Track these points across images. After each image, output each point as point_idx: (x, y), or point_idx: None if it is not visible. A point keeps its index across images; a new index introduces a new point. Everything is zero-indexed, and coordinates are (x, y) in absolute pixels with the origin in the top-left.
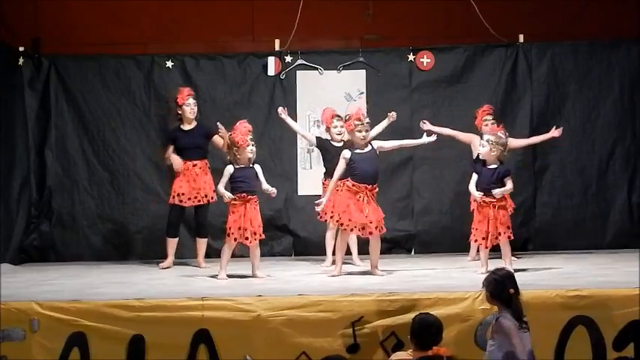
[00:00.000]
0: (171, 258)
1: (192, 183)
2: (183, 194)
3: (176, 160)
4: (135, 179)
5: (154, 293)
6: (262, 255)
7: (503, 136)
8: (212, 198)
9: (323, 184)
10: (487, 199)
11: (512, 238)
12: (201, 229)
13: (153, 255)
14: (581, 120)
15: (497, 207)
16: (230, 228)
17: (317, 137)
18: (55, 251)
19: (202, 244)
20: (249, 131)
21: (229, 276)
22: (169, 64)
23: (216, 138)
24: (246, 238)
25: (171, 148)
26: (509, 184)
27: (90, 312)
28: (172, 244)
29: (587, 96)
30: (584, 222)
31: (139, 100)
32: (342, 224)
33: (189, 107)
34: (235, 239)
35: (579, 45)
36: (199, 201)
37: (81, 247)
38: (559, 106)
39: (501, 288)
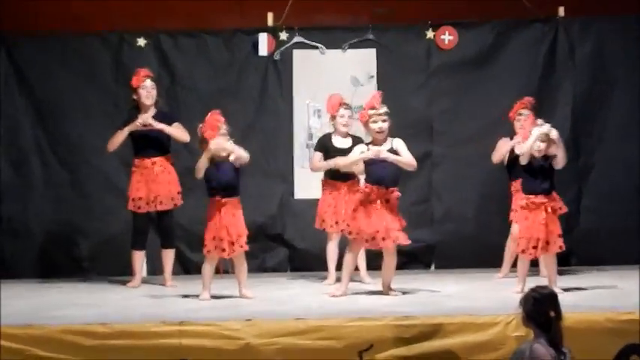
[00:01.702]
0: (139, 275)
1: (151, 184)
2: (140, 198)
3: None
4: (100, 179)
5: (122, 316)
6: (252, 270)
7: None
8: (178, 201)
9: (323, 184)
10: (538, 200)
11: (564, 248)
12: (165, 238)
13: (121, 271)
14: (632, 110)
15: (551, 209)
16: (205, 238)
17: (320, 137)
18: (4, 266)
19: (168, 256)
20: (220, 124)
21: (213, 296)
22: (141, 42)
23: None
24: (223, 250)
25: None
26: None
27: (45, 339)
28: (139, 258)
29: None
30: (636, 231)
31: (106, 86)
32: (350, 233)
33: (146, 90)
34: (209, 251)
35: (630, 19)
36: (162, 205)
37: (35, 260)
38: (606, 93)
39: (540, 309)
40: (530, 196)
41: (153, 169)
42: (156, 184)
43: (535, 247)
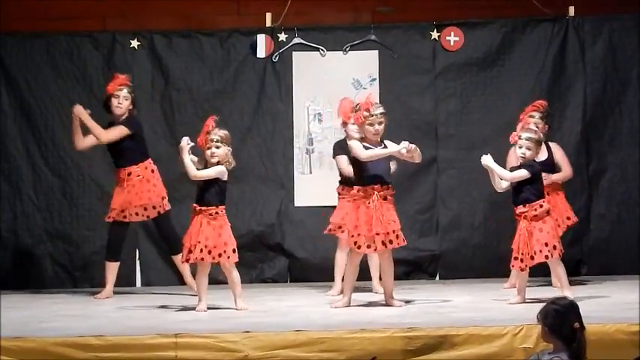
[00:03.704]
0: (110, 287)
1: (127, 195)
2: (112, 209)
3: None
4: (92, 186)
5: (116, 328)
6: (251, 280)
7: (539, 130)
8: (162, 208)
9: (339, 193)
10: (519, 210)
11: (555, 257)
12: (172, 244)
13: (114, 281)
14: None
15: (531, 218)
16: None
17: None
18: None
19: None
20: (209, 129)
21: (210, 307)
22: (134, 43)
23: None
24: (197, 259)
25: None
26: (518, 172)
27: (36, 352)
28: (113, 269)
29: None
30: None
31: (97, 89)
32: (355, 243)
33: (117, 100)
34: (202, 259)
35: None
36: (138, 214)
37: (25, 271)
38: (618, 94)
39: (563, 321)
40: (515, 207)
41: (131, 180)
42: (133, 194)
43: (516, 259)
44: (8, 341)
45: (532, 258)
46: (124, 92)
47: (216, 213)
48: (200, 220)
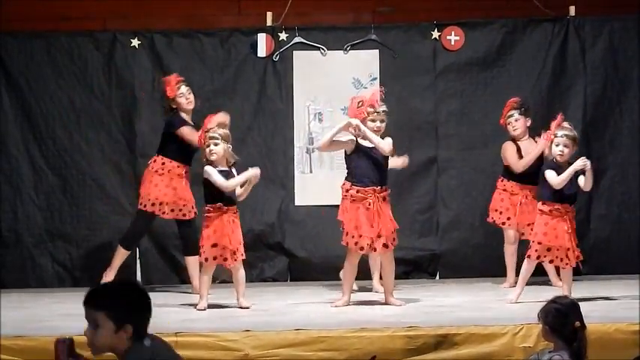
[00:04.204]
0: (114, 272)
1: (177, 192)
2: (165, 204)
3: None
4: (92, 186)
5: None
6: (251, 280)
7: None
8: (195, 211)
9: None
10: (564, 209)
11: (582, 258)
12: (189, 246)
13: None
14: None
15: (572, 218)
16: (203, 246)
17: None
18: None
19: (194, 263)
20: (208, 127)
21: (210, 306)
22: (135, 42)
23: None
24: (225, 259)
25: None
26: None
27: (37, 351)
28: (122, 256)
29: None
30: None
31: (98, 88)
32: (356, 244)
33: (184, 97)
34: (207, 259)
35: None
36: (185, 214)
37: (26, 270)
38: (619, 95)
39: (565, 321)
40: (555, 203)
41: (184, 177)
42: (181, 192)
43: (558, 257)
44: (9, 340)
45: (565, 259)
46: (185, 88)
47: (235, 212)
48: (229, 220)
